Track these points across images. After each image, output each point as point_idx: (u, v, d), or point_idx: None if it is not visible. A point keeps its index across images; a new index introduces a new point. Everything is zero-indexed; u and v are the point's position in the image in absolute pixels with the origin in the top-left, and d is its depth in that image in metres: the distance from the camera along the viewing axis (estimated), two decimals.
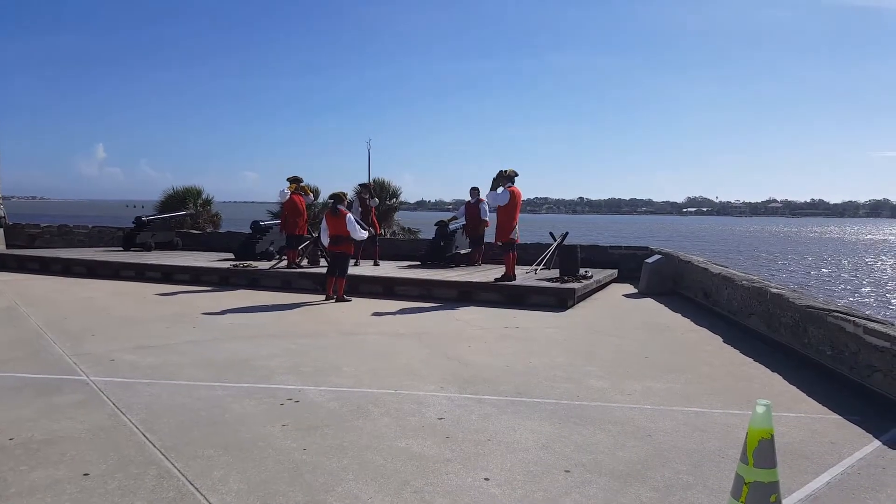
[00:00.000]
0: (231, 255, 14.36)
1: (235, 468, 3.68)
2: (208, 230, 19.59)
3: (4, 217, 18.25)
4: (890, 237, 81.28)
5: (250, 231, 14.87)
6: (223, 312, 8.99)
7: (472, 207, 13.13)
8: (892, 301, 23.71)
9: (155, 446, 3.99)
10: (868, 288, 27.62)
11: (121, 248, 16.30)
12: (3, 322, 8.11)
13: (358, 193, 13.70)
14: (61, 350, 6.56)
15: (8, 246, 17.61)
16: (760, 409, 2.64)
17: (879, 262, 41.67)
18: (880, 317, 6.06)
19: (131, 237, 16.34)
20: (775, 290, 7.19)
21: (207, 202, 22.23)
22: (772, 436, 2.66)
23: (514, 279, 10.65)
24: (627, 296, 11.27)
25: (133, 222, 16.89)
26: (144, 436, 4.17)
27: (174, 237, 17.29)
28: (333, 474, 3.62)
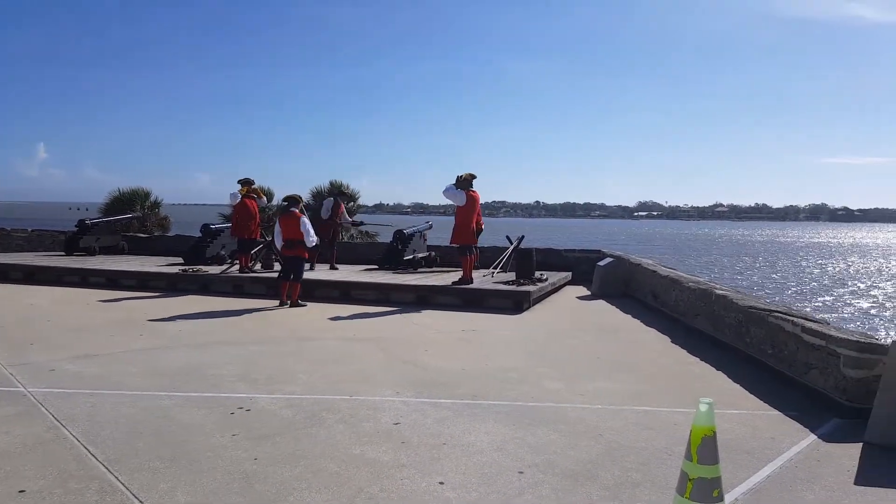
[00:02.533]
0: (180, 260, 14.02)
1: (183, 480, 3.59)
2: (156, 234, 19.08)
3: None
4: (832, 241, 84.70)
5: (200, 234, 14.55)
6: (171, 319, 8.76)
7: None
8: (829, 300, 24.75)
9: (97, 459, 3.86)
10: (804, 287, 28.75)
11: (63, 253, 15.70)
12: None
13: (335, 196, 13.70)
14: None
15: None
16: (703, 408, 2.73)
17: (818, 264, 43.44)
18: (817, 316, 6.33)
19: (74, 241, 15.75)
20: (720, 292, 7.44)
21: (156, 204, 21.64)
22: (714, 433, 2.75)
23: (472, 282, 10.70)
24: (581, 298, 11.45)
25: (76, 225, 16.29)
26: (86, 448, 4.02)
27: (120, 241, 16.76)
28: (285, 484, 3.57)
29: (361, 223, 16.76)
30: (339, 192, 14.43)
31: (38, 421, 4.54)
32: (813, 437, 4.40)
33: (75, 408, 4.83)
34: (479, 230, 13.61)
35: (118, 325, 8.22)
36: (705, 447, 2.71)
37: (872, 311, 22.36)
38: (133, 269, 12.62)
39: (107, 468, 3.74)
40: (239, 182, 12.43)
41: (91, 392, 5.25)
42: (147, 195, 21.50)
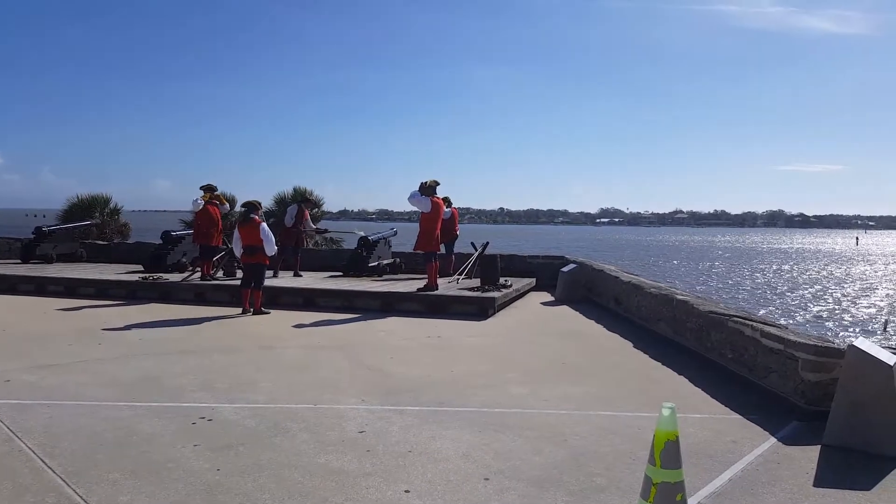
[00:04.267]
0: (140, 268, 13.69)
1: (143, 492, 3.51)
2: (116, 241, 18.61)
3: None
4: (792, 246, 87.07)
5: (161, 242, 14.24)
6: (131, 328, 8.55)
7: (448, 220, 12.92)
8: (786, 305, 25.46)
9: (55, 472, 3.75)
10: (762, 292, 29.53)
11: (19, 261, 15.21)
12: None
13: (299, 203, 13.51)
14: None
15: None
16: (666, 413, 2.78)
17: (776, 270, 44.66)
18: (775, 320, 6.50)
19: (31, 248, 15.27)
20: (681, 297, 7.58)
21: (116, 211, 21.14)
22: (677, 437, 2.80)
23: (437, 289, 10.70)
24: (545, 304, 11.55)
25: (33, 233, 15.80)
26: (42, 461, 3.90)
27: (78, 248, 16.29)
28: (248, 494, 3.51)
29: (326, 230, 16.60)
30: (303, 199, 14.25)
31: None
32: (773, 440, 4.50)
33: (32, 419, 4.68)
34: (455, 237, 13.64)
35: (76, 335, 7.99)
36: (668, 452, 2.75)
37: (826, 315, 23.07)
38: (92, 278, 12.28)
39: (64, 481, 3.63)
40: (201, 188, 12.23)
41: (48, 403, 5.10)
42: (107, 201, 21.01)
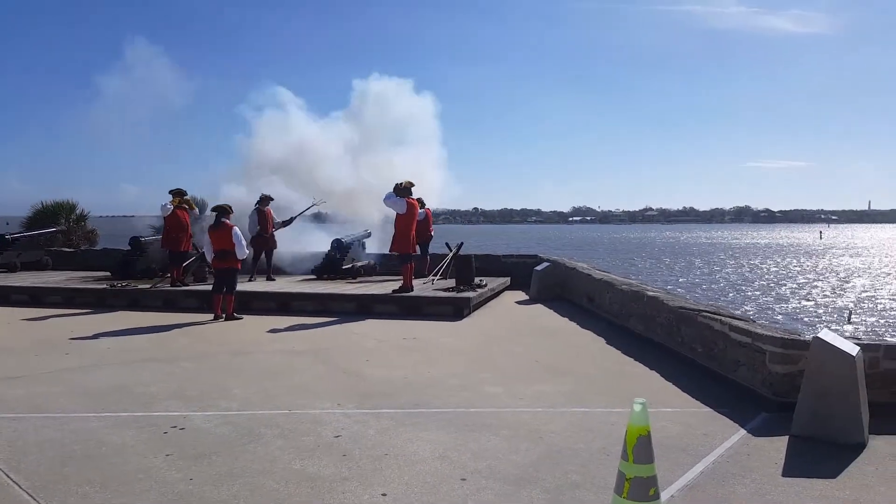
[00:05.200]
0: (108, 274, 13.43)
1: None
2: (83, 248, 18.23)
3: None
4: (759, 242, 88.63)
5: (129, 248, 13.98)
6: (99, 336, 8.38)
7: (422, 221, 12.82)
8: (753, 298, 25.97)
9: (21, 487, 3.66)
10: (731, 287, 30.09)
11: None
12: None
13: (257, 206, 13.22)
14: None
15: None
16: (637, 408, 2.81)
17: (742, 264, 45.51)
18: (742, 314, 6.62)
19: None
20: (651, 293, 7.68)
21: (82, 217, 20.72)
22: (648, 433, 2.84)
23: (412, 290, 10.69)
24: (519, 302, 11.61)
25: None
26: (8, 476, 3.81)
27: (43, 256, 15.93)
28: (222, 503, 3.47)
29: (291, 219, 15.92)
30: (259, 201, 13.67)
31: None
32: (742, 431, 4.58)
33: None
34: (429, 238, 13.60)
35: (42, 345, 7.80)
36: (640, 447, 2.79)
37: (794, 308, 23.56)
38: (58, 286, 12.03)
39: (31, 496, 3.55)
40: (170, 192, 12.04)
41: (14, 416, 4.98)
42: (73, 208, 20.59)
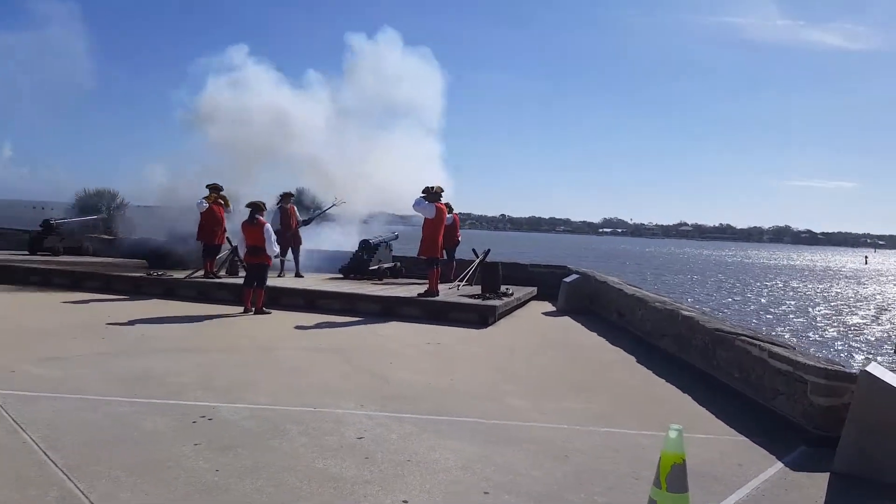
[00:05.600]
0: (145, 263, 13.71)
1: (143, 490, 3.50)
2: (121, 235, 18.65)
3: None
4: (799, 263, 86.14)
5: (166, 238, 14.24)
6: (134, 323, 8.55)
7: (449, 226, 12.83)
8: (794, 324, 25.34)
9: (57, 465, 3.75)
10: (770, 310, 29.40)
11: (27, 252, 15.27)
12: None
13: (279, 204, 13.33)
14: None
15: None
16: (673, 435, 2.75)
17: (786, 287, 44.42)
18: (784, 340, 6.43)
19: (38, 241, 15.37)
20: (686, 313, 7.54)
21: (122, 205, 21.25)
22: (684, 461, 2.77)
23: (437, 295, 10.68)
24: (546, 314, 11.51)
25: (41, 225, 15.91)
26: (45, 454, 3.91)
27: (85, 242, 16.36)
28: (247, 496, 3.49)
29: (310, 219, 15.98)
30: (281, 199, 13.72)
31: None
32: (780, 464, 4.41)
33: (36, 412, 4.70)
34: (456, 243, 13.60)
35: (81, 328, 8.00)
36: (675, 475, 2.73)
37: (836, 336, 22.81)
38: (97, 271, 12.32)
39: (66, 475, 3.63)
40: (207, 187, 12.25)
41: (53, 396, 5.11)
42: (113, 196, 21.15)
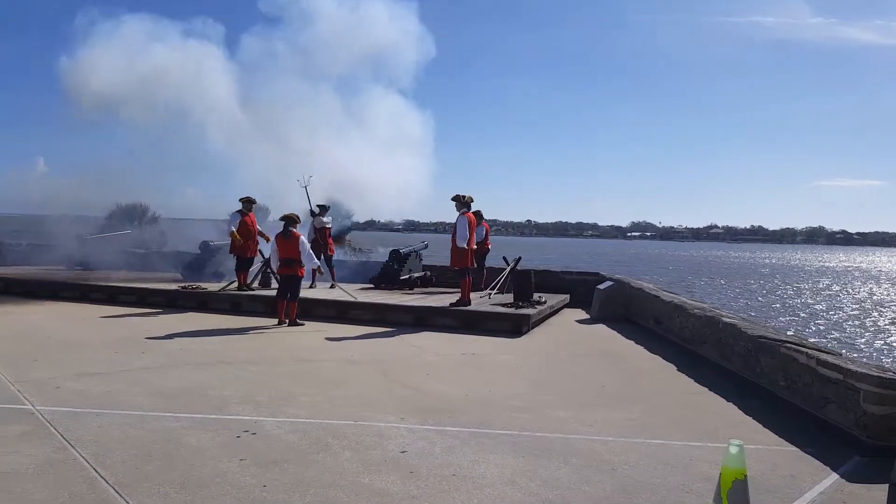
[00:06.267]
0: (179, 276, 13.92)
1: None
2: (154, 249, 18.98)
3: None
4: (836, 265, 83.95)
5: (199, 251, 14.47)
6: (172, 337, 8.67)
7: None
8: (837, 328, 24.69)
9: (108, 482, 3.80)
10: (812, 314, 28.70)
11: (62, 268, 15.63)
12: None
13: (312, 215, 13.45)
14: (3, 376, 6.21)
15: None
16: (734, 450, 2.68)
17: (823, 290, 43.33)
18: (830, 347, 6.25)
19: (75, 256, 15.75)
20: (727, 320, 7.38)
21: (154, 219, 21.65)
22: (745, 476, 2.70)
23: (470, 304, 10.64)
24: (580, 322, 11.40)
25: (76, 240, 16.28)
26: (96, 471, 3.97)
27: (120, 256, 16.69)
28: None
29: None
30: (319, 211, 13.76)
31: (46, 441, 4.49)
32: (835, 475, 4.29)
33: (83, 428, 4.77)
34: (486, 251, 13.56)
35: (119, 343, 8.13)
36: (736, 491, 2.66)
37: (882, 341, 22.08)
38: (132, 285, 12.54)
39: (118, 492, 3.68)
40: (240, 200, 12.40)
41: (98, 412, 5.19)
42: (145, 210, 21.54)
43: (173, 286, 12.34)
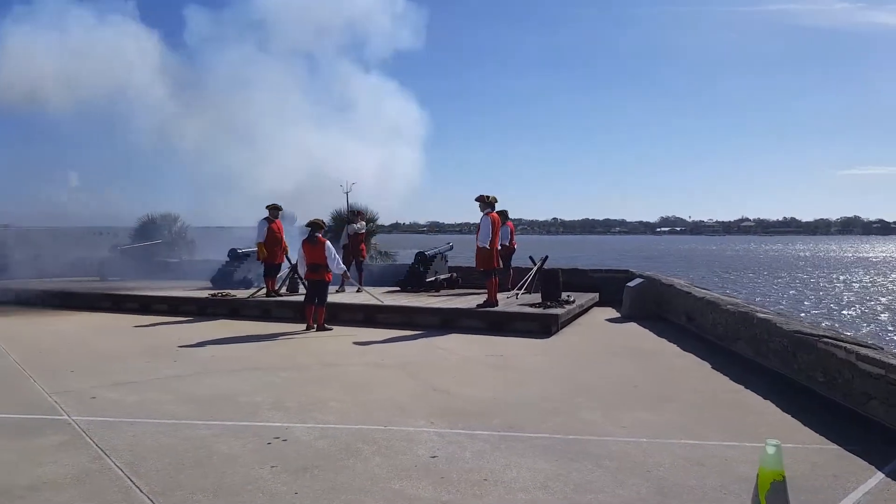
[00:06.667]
0: (209, 284, 14.11)
1: None
2: (184, 258, 19.30)
3: None
4: (874, 255, 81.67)
5: (228, 259, 14.65)
6: (203, 344, 8.78)
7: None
8: (876, 320, 24.01)
9: (142, 491, 3.84)
10: (851, 307, 27.98)
11: (97, 278, 15.99)
12: None
13: (347, 221, 13.59)
14: (41, 388, 6.35)
15: None
16: (771, 450, 2.60)
17: (861, 281, 42.24)
18: (870, 342, 6.06)
19: (108, 266, 16.10)
20: (762, 315, 7.21)
21: (184, 229, 22.03)
22: (783, 477, 2.61)
23: (497, 305, 10.58)
24: (610, 320, 11.25)
25: (110, 251, 16.64)
26: (130, 480, 4.02)
27: (151, 265, 17.02)
28: None
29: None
30: (353, 217, 14.10)
31: (83, 451, 4.56)
32: (880, 475, 4.13)
33: (117, 437, 4.85)
34: (512, 251, 13.49)
35: (152, 351, 8.25)
36: (775, 493, 2.57)
37: None
38: (164, 294, 12.75)
39: (152, 501, 3.73)
40: (267, 207, 12.53)
41: (132, 421, 5.26)
42: (175, 219, 21.92)
43: (204, 294, 12.51)
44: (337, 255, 10.22)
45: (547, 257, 13.33)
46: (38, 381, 6.63)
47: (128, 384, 6.51)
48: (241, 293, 12.58)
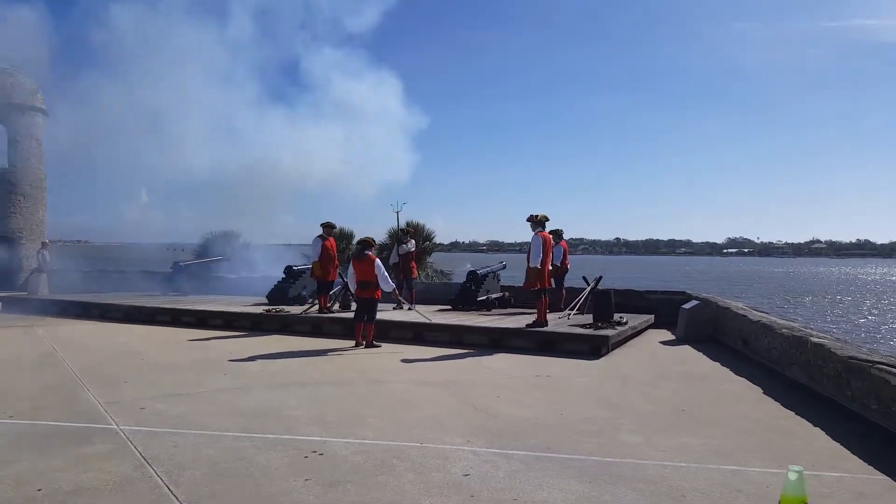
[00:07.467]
0: (264, 300, 14.53)
1: None
2: (243, 274, 19.94)
3: (48, 262, 18.86)
4: None
5: (283, 275, 15.06)
6: (253, 359, 9.03)
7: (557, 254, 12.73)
8: None
9: (178, 499, 3.99)
10: None
11: (158, 293, 16.71)
12: (41, 368, 8.31)
13: (397, 240, 13.84)
14: (94, 398, 6.67)
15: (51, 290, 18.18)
16: (792, 476, 2.50)
17: None
18: None
19: (170, 281, 16.81)
20: (816, 340, 6.90)
21: (244, 246, 22.78)
22: None
23: (546, 325, 10.48)
24: (664, 343, 10.97)
25: (171, 267, 17.36)
26: (168, 488, 4.17)
27: (210, 281, 17.66)
28: None
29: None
30: (403, 235, 14.41)
31: (126, 459, 4.76)
32: None
33: (160, 447, 5.03)
34: (565, 271, 13.37)
35: (204, 365, 8.55)
36: None
37: None
38: (220, 310, 13.19)
39: None
40: (321, 225, 12.86)
41: (175, 431, 5.46)
42: (237, 237, 22.73)
43: (259, 310, 12.89)
44: (386, 273, 10.37)
45: (601, 277, 13.13)
46: (92, 390, 6.99)
47: (177, 396, 6.78)
48: (295, 309, 12.90)
